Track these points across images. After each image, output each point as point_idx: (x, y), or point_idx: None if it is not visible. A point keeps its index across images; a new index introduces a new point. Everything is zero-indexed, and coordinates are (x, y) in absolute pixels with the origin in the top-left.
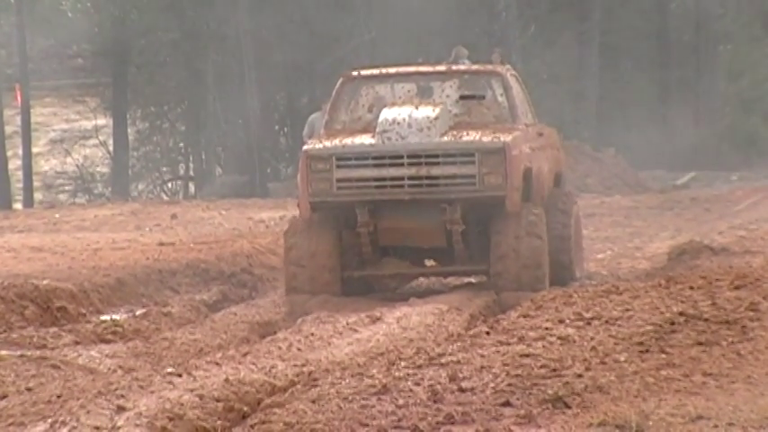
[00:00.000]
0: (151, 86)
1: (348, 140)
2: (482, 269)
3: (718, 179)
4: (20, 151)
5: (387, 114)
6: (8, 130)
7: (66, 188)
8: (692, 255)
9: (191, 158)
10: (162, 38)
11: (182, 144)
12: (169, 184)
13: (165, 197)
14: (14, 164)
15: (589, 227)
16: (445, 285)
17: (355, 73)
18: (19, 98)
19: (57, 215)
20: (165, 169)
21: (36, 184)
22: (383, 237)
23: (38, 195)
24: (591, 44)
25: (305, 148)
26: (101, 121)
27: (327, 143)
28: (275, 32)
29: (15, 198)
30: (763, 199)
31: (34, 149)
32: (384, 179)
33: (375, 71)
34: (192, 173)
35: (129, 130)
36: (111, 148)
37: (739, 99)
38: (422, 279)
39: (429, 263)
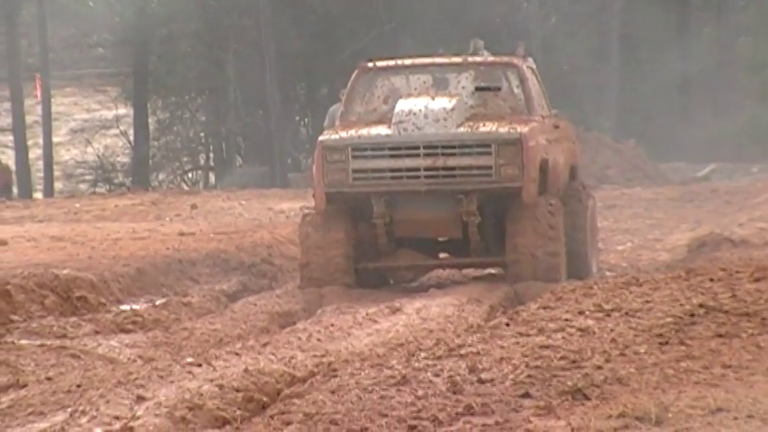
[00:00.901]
0: (172, 76)
1: (364, 131)
2: (498, 261)
3: (738, 171)
4: (40, 141)
5: (403, 105)
6: (29, 119)
7: (87, 178)
8: (712, 247)
9: (211, 148)
10: (183, 28)
11: (202, 134)
12: (189, 174)
13: (185, 187)
14: (35, 153)
15: (609, 218)
16: (465, 276)
17: (371, 64)
18: (39, 88)
19: (77, 205)
20: (185, 159)
21: (56, 173)
22: (399, 228)
23: (58, 185)
24: (611, 35)
25: (320, 138)
26: (121, 111)
27: (343, 134)
28: (296, 23)
29: (36, 188)
30: None
31: (55, 139)
32: (400, 170)
33: (390, 62)
34: (212, 163)
35: (149, 120)
36: (131, 138)
37: (760, 91)
38: (436, 270)
39: (443, 255)
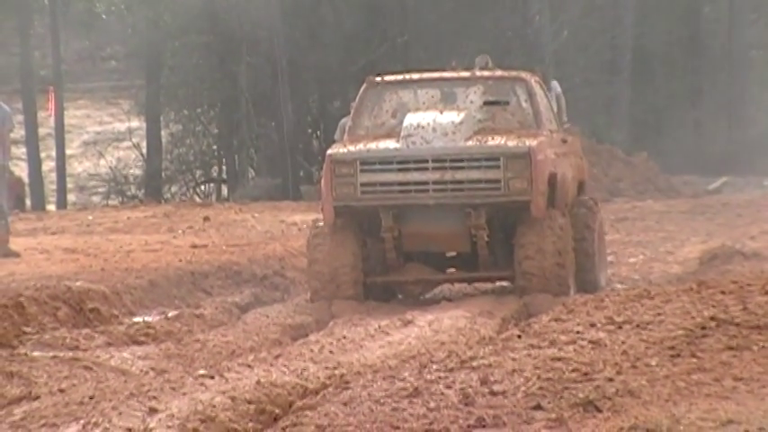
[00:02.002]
0: (184, 89)
1: (372, 145)
2: (507, 274)
3: (749, 184)
4: (53, 153)
5: (411, 119)
6: (42, 132)
7: (100, 190)
8: (723, 259)
9: (224, 161)
10: (195, 40)
11: (215, 146)
12: (202, 187)
13: (197, 199)
14: (48, 166)
15: (621, 231)
16: (476, 289)
17: (379, 79)
18: (52, 100)
19: (90, 217)
20: (198, 172)
21: (69, 185)
22: (407, 242)
23: (71, 197)
24: (623, 49)
25: (329, 152)
26: (134, 124)
27: (351, 147)
28: (308, 35)
29: (49, 200)
30: None
31: (68, 151)
32: (408, 184)
33: (399, 77)
34: (224, 175)
35: (162, 133)
36: (144, 151)
37: None
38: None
39: (451, 269)
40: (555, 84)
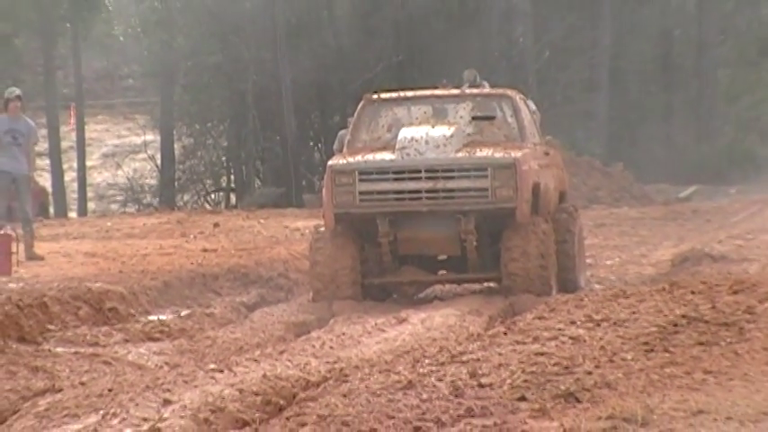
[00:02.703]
0: (196, 105)
1: (370, 156)
2: (494, 276)
3: (717, 192)
4: (75, 165)
5: (406, 133)
6: (64, 145)
7: (118, 198)
8: (693, 262)
9: (232, 171)
10: (206, 61)
11: (224, 158)
12: (212, 195)
13: (208, 207)
14: (70, 176)
15: (599, 236)
16: (465, 290)
17: (375, 96)
18: (73, 116)
19: (108, 223)
20: (208, 181)
21: (89, 194)
22: (402, 246)
23: (91, 205)
24: (601, 68)
25: (330, 163)
26: (149, 137)
27: (350, 159)
28: (310, 56)
29: (70, 208)
30: (760, 210)
31: (88, 163)
32: (403, 192)
33: (394, 95)
34: (233, 185)
35: (175, 146)
36: (158, 162)
37: (737, 119)
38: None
39: (442, 271)
40: (530, 102)
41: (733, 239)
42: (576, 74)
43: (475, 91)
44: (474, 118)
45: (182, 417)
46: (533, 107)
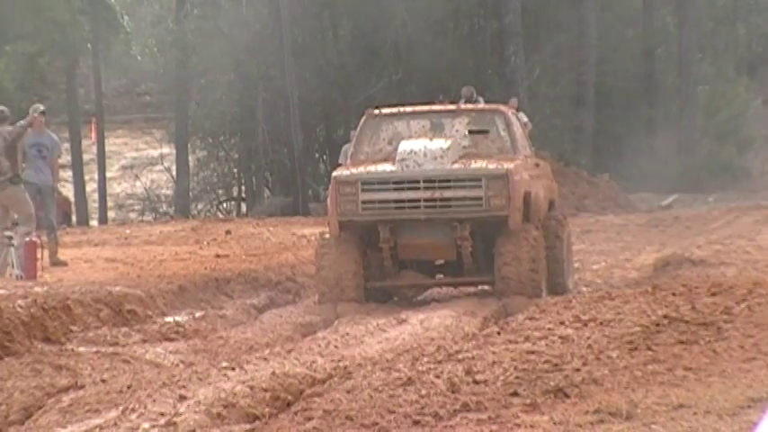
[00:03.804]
0: (209, 120)
1: (372, 168)
2: (488, 279)
3: (697, 201)
4: (96, 176)
5: (405, 146)
6: (86, 157)
7: (136, 207)
8: (674, 266)
9: (243, 182)
10: (218, 79)
11: (235, 170)
12: (224, 204)
13: (220, 215)
14: (91, 187)
15: (586, 242)
16: (461, 292)
17: (377, 111)
18: (94, 130)
19: (127, 231)
20: (220, 191)
21: (109, 204)
22: (402, 251)
23: (111, 214)
24: (588, 84)
25: (334, 174)
26: (165, 150)
27: (354, 170)
28: (316, 74)
29: (92, 216)
30: (737, 218)
31: (108, 174)
32: (403, 201)
33: (394, 110)
34: (243, 194)
35: (189, 158)
36: (174, 173)
37: (716, 132)
38: (436, 287)
39: (440, 275)
40: (521, 114)
41: (711, 245)
42: (564, 90)
43: (470, 106)
44: (469, 132)
45: (196, 412)
46: (525, 119)
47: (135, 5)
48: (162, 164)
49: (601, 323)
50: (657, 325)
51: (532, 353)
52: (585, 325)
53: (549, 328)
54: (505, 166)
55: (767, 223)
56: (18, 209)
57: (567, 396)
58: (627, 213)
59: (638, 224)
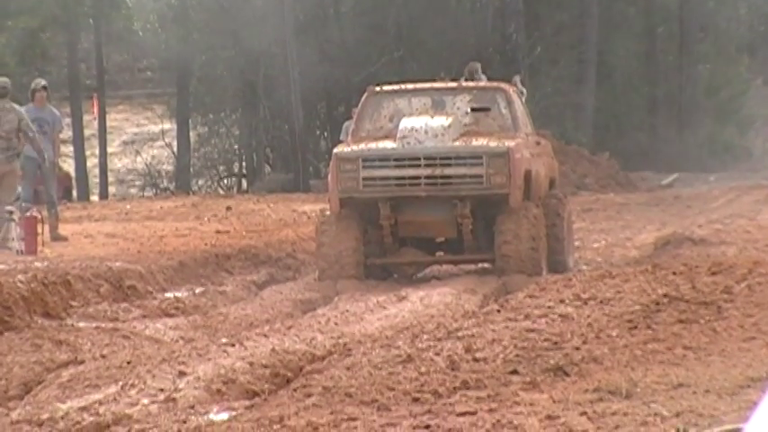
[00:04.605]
0: (210, 96)
1: (372, 145)
2: (488, 257)
3: (698, 180)
4: (97, 151)
5: (406, 123)
6: (87, 133)
7: (136, 183)
8: (674, 245)
9: (243, 158)
10: (220, 54)
11: (236, 146)
12: (225, 181)
13: (221, 192)
14: (92, 162)
15: (586, 220)
16: (461, 270)
17: (378, 88)
18: (95, 106)
19: (128, 206)
20: (221, 167)
21: (110, 179)
22: (402, 229)
23: (112, 189)
24: (589, 63)
25: (335, 150)
26: (166, 126)
27: (354, 147)
28: (317, 51)
29: (92, 192)
30: (737, 197)
31: (109, 150)
32: (403, 178)
33: (395, 87)
34: (244, 171)
35: (190, 134)
36: (175, 149)
37: (717, 111)
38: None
39: (440, 252)
40: (516, 78)
41: (712, 224)
42: (565, 68)
43: (471, 84)
44: (471, 109)
45: (195, 388)
46: (519, 85)
47: None
48: (163, 140)
49: (601, 302)
50: (657, 304)
51: (532, 331)
52: (585, 303)
53: (549, 307)
54: (506, 143)
55: None
56: (8, 183)
57: (567, 374)
58: (627, 192)
59: (639, 203)
